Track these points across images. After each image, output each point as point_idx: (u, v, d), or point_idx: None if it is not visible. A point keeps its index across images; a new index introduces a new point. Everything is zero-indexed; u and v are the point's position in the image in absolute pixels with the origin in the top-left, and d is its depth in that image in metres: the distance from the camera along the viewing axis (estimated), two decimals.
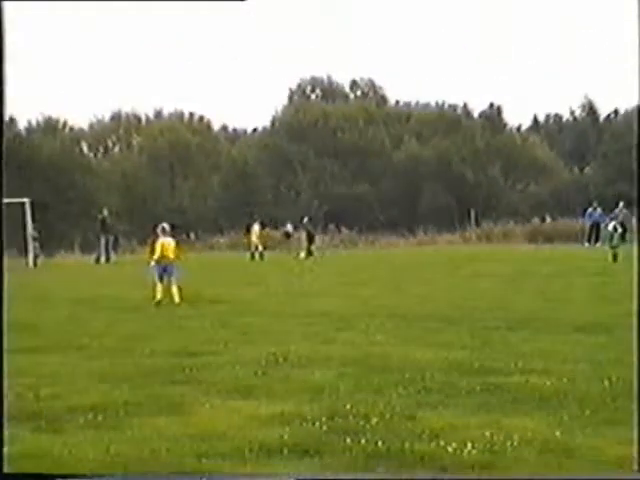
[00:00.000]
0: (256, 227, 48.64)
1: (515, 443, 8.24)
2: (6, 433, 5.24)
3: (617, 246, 35.13)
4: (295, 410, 9.84)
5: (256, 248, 47.17)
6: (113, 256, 47.53)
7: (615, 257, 34.08)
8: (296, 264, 40.93)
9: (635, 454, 5.80)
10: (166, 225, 24.01)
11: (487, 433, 8.52)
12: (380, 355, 13.34)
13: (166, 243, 23.55)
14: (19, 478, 5.45)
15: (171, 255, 23.39)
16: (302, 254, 46.61)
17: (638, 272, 6.86)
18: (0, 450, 5.14)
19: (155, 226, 24.92)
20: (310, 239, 48.54)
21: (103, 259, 46.79)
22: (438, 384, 11.09)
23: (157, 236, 24.19)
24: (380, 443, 8.32)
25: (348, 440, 8.47)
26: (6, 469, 5.34)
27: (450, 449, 8.09)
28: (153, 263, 23.50)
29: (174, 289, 22.81)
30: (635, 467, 5.70)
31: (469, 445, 8.13)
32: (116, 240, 49.68)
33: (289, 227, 54.41)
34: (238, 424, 9.37)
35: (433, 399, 10.27)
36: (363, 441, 8.42)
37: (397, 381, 11.29)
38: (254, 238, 47.93)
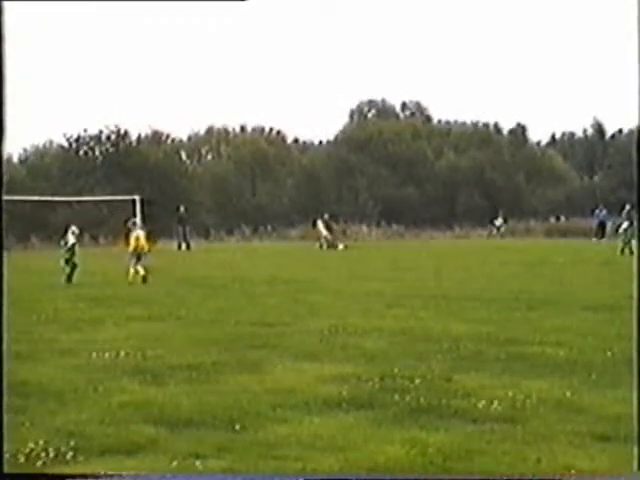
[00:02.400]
0: (320, 222, 48.19)
1: (533, 401, 8.23)
2: (6, 433, 5.21)
3: (629, 242, 34.40)
4: (352, 371, 9.87)
5: (325, 239, 46.64)
6: (185, 244, 47.28)
7: (623, 251, 33.61)
8: (354, 253, 40.79)
9: (636, 455, 5.72)
10: (137, 220, 25.40)
11: (510, 393, 8.50)
12: (423, 328, 13.31)
13: (136, 236, 24.08)
14: (19, 478, 5.40)
15: (143, 245, 23.93)
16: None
17: (638, 269, 6.77)
18: (0, 450, 5.11)
19: (127, 220, 25.42)
20: (330, 232, 48.04)
21: (183, 246, 46.67)
22: (470, 352, 11.07)
23: (130, 230, 24.69)
24: (422, 399, 8.32)
25: (396, 396, 8.48)
26: (6, 469, 5.26)
27: (480, 405, 8.07)
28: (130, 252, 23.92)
29: (141, 270, 23.30)
30: (635, 467, 5.61)
31: (495, 402, 8.12)
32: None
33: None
34: (305, 382, 9.41)
35: (466, 364, 10.25)
36: (408, 398, 8.43)
37: (436, 349, 11.27)
38: (322, 231, 47.47)
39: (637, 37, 6.01)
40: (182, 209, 48.24)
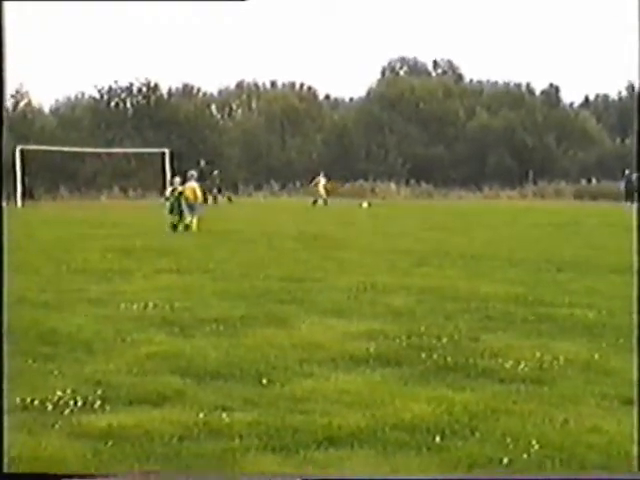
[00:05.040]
0: (322, 179, 48.43)
1: (561, 363, 8.19)
2: (6, 436, 5.22)
3: None
4: (379, 328, 9.86)
5: (323, 195, 47.11)
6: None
7: None
8: (382, 211, 40.70)
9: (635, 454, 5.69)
10: (194, 172, 26.61)
11: (537, 354, 8.47)
12: (451, 287, 13.29)
13: (190, 187, 25.60)
14: (19, 478, 5.41)
15: (192, 196, 25.39)
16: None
17: (637, 233, 6.71)
18: (0, 450, 5.14)
19: (185, 172, 27.21)
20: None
21: (210, 200, 46.93)
22: (498, 313, 11.03)
23: (186, 180, 26.22)
24: (449, 358, 8.31)
25: (423, 355, 8.47)
26: (6, 469, 5.28)
27: (507, 365, 8.05)
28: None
29: (194, 221, 25.13)
30: (635, 467, 5.58)
31: (522, 363, 8.09)
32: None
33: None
34: (333, 338, 9.41)
35: (494, 325, 10.22)
36: (435, 356, 8.41)
37: (464, 309, 11.25)
38: (320, 188, 47.73)
39: None
40: (202, 163, 48.24)
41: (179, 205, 25.19)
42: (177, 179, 26.27)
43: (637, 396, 6.26)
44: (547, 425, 6.35)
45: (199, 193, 25.98)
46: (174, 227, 24.95)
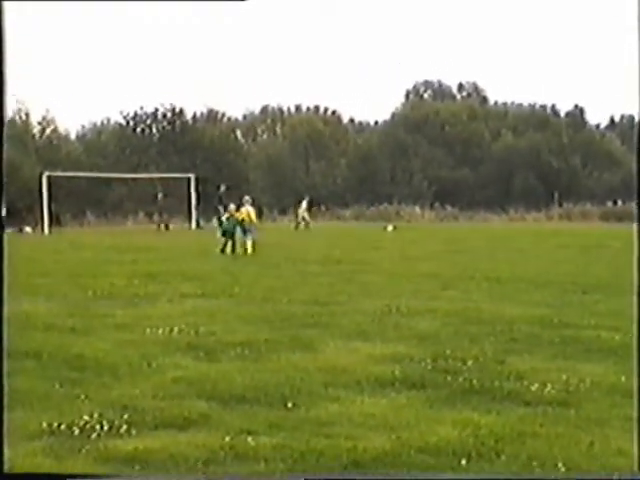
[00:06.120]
0: (304, 203, 48.53)
1: (587, 385, 8.16)
2: (6, 440, 5.23)
3: None
4: (404, 351, 9.86)
5: (303, 219, 47.37)
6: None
7: None
8: (407, 235, 40.65)
9: (636, 454, 5.68)
10: (249, 197, 28.29)
11: (564, 376, 8.44)
12: (476, 310, 13.25)
13: (246, 211, 27.28)
14: (19, 478, 5.43)
15: (247, 219, 27.08)
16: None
17: (638, 261, 6.73)
18: (0, 450, 5.16)
19: (241, 197, 29.01)
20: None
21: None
22: (524, 335, 10.99)
23: (242, 205, 27.80)
24: (475, 381, 8.29)
25: (448, 378, 8.46)
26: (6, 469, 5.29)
27: (533, 388, 8.03)
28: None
29: (249, 243, 26.57)
30: (635, 467, 5.57)
31: (549, 385, 8.07)
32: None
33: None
34: (357, 361, 9.42)
35: (519, 347, 10.19)
36: (460, 379, 8.40)
37: (490, 332, 11.22)
38: (301, 212, 47.90)
39: None
40: (223, 188, 48.22)
41: (234, 229, 26.73)
42: (232, 205, 27.96)
43: (637, 399, 6.24)
44: (573, 448, 6.32)
45: (254, 216, 27.31)
46: (222, 250, 26.42)
